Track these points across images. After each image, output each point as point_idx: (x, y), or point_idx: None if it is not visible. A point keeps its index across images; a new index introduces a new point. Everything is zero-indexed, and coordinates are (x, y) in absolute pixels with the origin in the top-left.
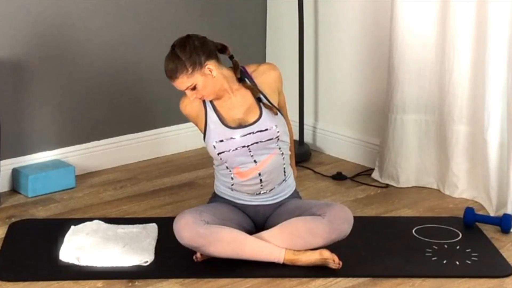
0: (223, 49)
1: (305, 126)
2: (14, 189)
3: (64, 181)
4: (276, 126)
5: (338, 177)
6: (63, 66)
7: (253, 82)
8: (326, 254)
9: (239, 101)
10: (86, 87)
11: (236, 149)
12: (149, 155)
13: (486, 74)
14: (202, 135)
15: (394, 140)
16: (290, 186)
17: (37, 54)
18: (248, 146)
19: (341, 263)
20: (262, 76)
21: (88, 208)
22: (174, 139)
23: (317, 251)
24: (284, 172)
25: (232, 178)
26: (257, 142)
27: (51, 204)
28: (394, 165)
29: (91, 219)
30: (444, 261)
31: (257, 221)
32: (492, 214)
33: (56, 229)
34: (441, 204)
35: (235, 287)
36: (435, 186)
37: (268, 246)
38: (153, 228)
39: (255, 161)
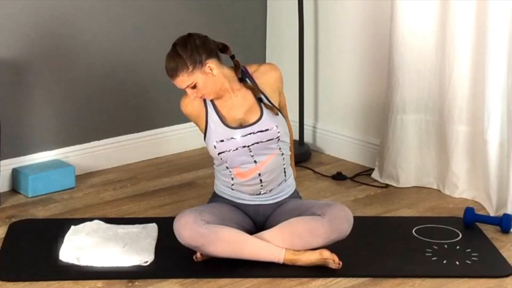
0: (224, 48)
1: (305, 126)
2: (14, 189)
3: (64, 181)
4: (276, 126)
5: (338, 177)
6: (63, 66)
7: (254, 82)
8: (326, 254)
9: (240, 101)
10: (86, 87)
11: (237, 149)
12: (149, 155)
13: (486, 74)
14: (203, 135)
15: (394, 140)
16: (290, 186)
17: (37, 54)
18: (248, 146)
19: (341, 263)
20: (263, 76)
21: (88, 208)
22: (174, 139)
23: (317, 251)
24: (284, 172)
25: (232, 178)
26: (257, 142)
27: (51, 204)
28: (394, 165)
29: (91, 219)
30: (444, 261)
31: (257, 221)
32: (492, 214)
33: (56, 229)
34: (441, 204)
35: (235, 287)
36: (435, 186)
37: (268, 246)
38: (153, 228)
39: (255, 161)
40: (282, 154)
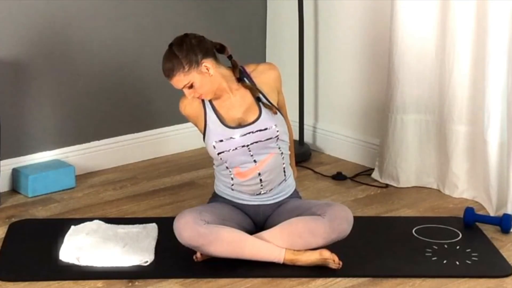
0: (221, 48)
1: (305, 126)
2: (14, 189)
3: (64, 181)
4: (275, 125)
5: (338, 177)
6: (63, 66)
7: (252, 81)
8: (326, 254)
9: (238, 101)
10: (86, 87)
11: (236, 148)
12: (149, 155)
13: (486, 74)
14: (202, 136)
15: (394, 140)
16: (290, 186)
17: (37, 54)
18: (247, 145)
19: (341, 263)
20: (261, 76)
21: (88, 208)
22: (174, 139)
23: (317, 251)
24: (284, 172)
25: (232, 179)
26: (256, 142)
27: (51, 204)
28: (394, 165)
29: (91, 219)
30: (444, 261)
31: (257, 221)
32: (492, 214)
33: (56, 229)
34: (441, 204)
35: (235, 287)
36: (435, 186)
37: (268, 246)
38: (153, 228)
39: (254, 161)
40: (282, 153)
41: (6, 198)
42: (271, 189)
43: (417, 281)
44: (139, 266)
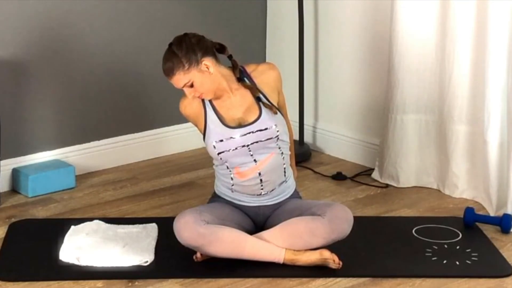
0: (221, 48)
1: (305, 126)
2: (14, 189)
3: (64, 181)
4: (275, 125)
5: (338, 177)
6: (63, 66)
7: (253, 81)
8: (326, 254)
9: (238, 101)
10: (86, 87)
11: (236, 148)
12: (149, 155)
13: (486, 74)
14: (202, 136)
15: (394, 140)
16: (290, 187)
17: (37, 54)
18: (248, 145)
19: (341, 263)
20: (262, 76)
21: (88, 208)
22: (174, 139)
23: (317, 251)
24: (284, 172)
25: (232, 179)
26: (257, 142)
27: (51, 204)
28: (394, 165)
29: (91, 219)
30: (444, 261)
31: (257, 221)
32: (492, 214)
33: (56, 229)
34: (441, 204)
35: (235, 287)
36: (435, 186)
37: (268, 246)
38: (153, 228)
39: (255, 161)
40: (282, 153)
41: (6, 198)
42: (272, 190)
43: (417, 281)
44: (139, 266)
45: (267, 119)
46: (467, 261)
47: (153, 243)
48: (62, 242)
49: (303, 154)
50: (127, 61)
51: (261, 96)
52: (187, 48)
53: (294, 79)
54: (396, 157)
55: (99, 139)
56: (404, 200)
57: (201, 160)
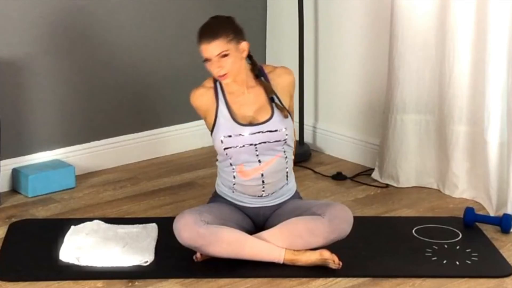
0: None
1: (305, 126)
2: (14, 189)
3: (64, 181)
4: (285, 128)
5: (338, 177)
6: (64, 66)
7: (268, 82)
8: (326, 254)
9: (251, 99)
10: (86, 87)
11: (243, 146)
12: (149, 155)
13: (486, 74)
14: (210, 129)
15: (394, 140)
16: (291, 189)
17: (37, 54)
18: (255, 144)
19: (341, 263)
20: (278, 79)
21: (88, 208)
22: (174, 139)
23: (317, 251)
24: (287, 176)
25: (234, 177)
26: (264, 142)
27: (51, 204)
28: (394, 165)
29: (91, 219)
30: (444, 261)
31: (257, 221)
32: (492, 214)
33: (56, 229)
34: (441, 204)
35: (235, 287)
36: (435, 186)
37: (268, 246)
38: (153, 228)
39: (259, 161)
40: (286, 157)
41: (6, 198)
42: (273, 192)
43: (417, 281)
44: (139, 266)
45: (278, 121)
46: (467, 261)
47: (153, 243)
48: (62, 242)
49: (303, 154)
50: (128, 61)
51: (274, 97)
52: (235, 24)
53: None
54: (396, 157)
55: (99, 139)
56: (404, 200)
57: (201, 160)
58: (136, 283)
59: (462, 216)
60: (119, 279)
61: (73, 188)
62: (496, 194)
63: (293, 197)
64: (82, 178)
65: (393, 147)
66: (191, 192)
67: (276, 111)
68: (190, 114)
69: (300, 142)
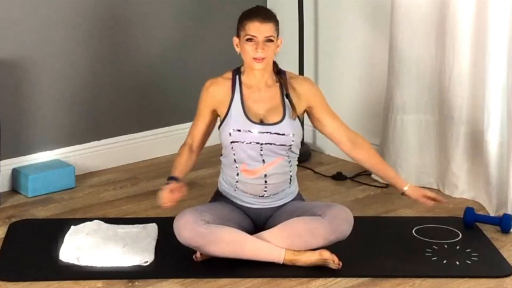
0: None
1: (305, 126)
2: (14, 189)
3: (64, 181)
4: (293, 134)
5: (338, 177)
6: (63, 66)
7: (286, 84)
8: (326, 254)
9: (266, 97)
10: (86, 88)
11: (250, 143)
12: (149, 155)
13: (486, 74)
14: (220, 121)
15: (394, 140)
16: (293, 192)
17: (37, 54)
18: (261, 144)
19: (341, 263)
20: (296, 85)
21: (88, 208)
22: (174, 139)
23: (317, 252)
24: (290, 180)
25: (237, 174)
26: (270, 143)
27: (51, 204)
28: (394, 165)
29: (91, 219)
30: (444, 261)
31: (257, 221)
32: (492, 214)
33: (56, 229)
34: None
35: (235, 287)
36: (435, 186)
37: (268, 246)
38: (153, 228)
39: (263, 161)
40: (290, 161)
41: (6, 198)
42: (275, 193)
43: (417, 281)
44: (139, 266)
45: (287, 126)
46: (467, 261)
47: (153, 243)
48: (62, 242)
49: (303, 154)
50: (128, 61)
51: (288, 98)
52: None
53: None
54: (396, 157)
55: (99, 139)
56: (404, 200)
57: (201, 160)
58: (136, 283)
59: (462, 216)
60: (119, 279)
61: (73, 188)
62: (496, 194)
63: (294, 199)
64: (82, 178)
65: (393, 147)
66: (191, 192)
67: (287, 115)
68: (190, 114)
69: (300, 142)
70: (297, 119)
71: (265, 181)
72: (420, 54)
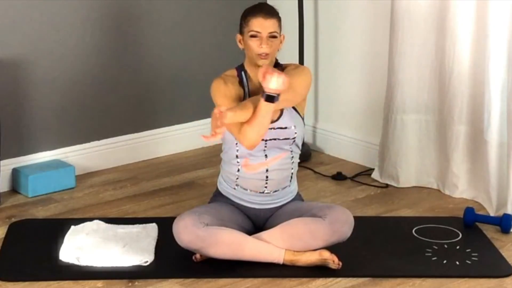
0: None
1: (305, 126)
2: (14, 189)
3: (64, 181)
4: (294, 126)
5: (338, 177)
6: (63, 66)
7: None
8: (326, 254)
9: None
10: (86, 87)
11: None
12: (149, 155)
13: (486, 74)
14: None
15: (394, 140)
16: (293, 192)
17: (37, 54)
18: (266, 140)
19: (341, 263)
20: (287, 73)
21: (88, 208)
22: (174, 139)
23: (317, 252)
24: (290, 178)
25: (238, 170)
26: (274, 139)
27: (51, 204)
28: (394, 165)
29: (91, 219)
30: (444, 261)
31: (257, 222)
32: (492, 214)
33: (56, 229)
34: (441, 204)
35: (235, 287)
36: (435, 186)
37: (268, 247)
38: (153, 228)
39: (266, 156)
40: (292, 157)
41: (6, 198)
42: (275, 191)
43: (417, 281)
44: (139, 266)
45: (288, 119)
46: (467, 261)
47: (153, 243)
48: (62, 242)
49: (303, 154)
50: (128, 61)
51: None
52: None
53: None
54: (396, 157)
55: (99, 139)
56: (404, 200)
57: (201, 160)
58: (136, 283)
59: (462, 216)
60: (119, 279)
61: (73, 188)
62: (496, 194)
63: (294, 199)
64: (82, 178)
65: (393, 147)
66: (191, 192)
67: (285, 108)
68: (190, 114)
69: (302, 136)
70: (295, 112)
71: (266, 177)
72: (420, 54)
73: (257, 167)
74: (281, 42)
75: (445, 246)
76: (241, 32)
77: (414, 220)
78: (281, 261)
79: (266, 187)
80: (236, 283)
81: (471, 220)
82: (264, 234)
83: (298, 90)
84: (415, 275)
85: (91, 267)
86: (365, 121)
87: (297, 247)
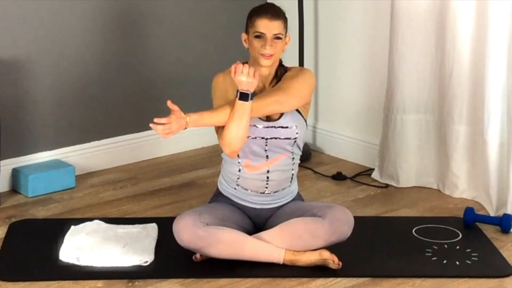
0: None
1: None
2: (14, 189)
3: (64, 181)
4: (296, 126)
5: (338, 177)
6: (64, 66)
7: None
8: (326, 254)
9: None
10: (86, 87)
11: (255, 138)
12: (149, 155)
13: (486, 74)
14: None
15: (394, 140)
16: (293, 192)
17: (37, 54)
18: (266, 139)
19: (341, 263)
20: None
21: (88, 208)
22: (174, 139)
23: (317, 252)
24: (291, 179)
25: (239, 170)
26: (275, 138)
27: (51, 204)
28: (394, 165)
29: (91, 219)
30: (444, 261)
31: (257, 221)
32: (492, 214)
33: (56, 229)
34: (441, 204)
35: (235, 287)
36: (435, 186)
37: (268, 247)
38: (153, 228)
39: (267, 156)
40: (293, 158)
41: (6, 198)
42: (275, 191)
43: (417, 281)
44: (139, 266)
45: (289, 119)
46: (467, 261)
47: (153, 243)
48: (62, 242)
49: (303, 154)
50: (128, 61)
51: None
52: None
53: None
54: (396, 157)
55: (99, 139)
56: (404, 200)
57: (201, 160)
58: (136, 283)
59: (462, 216)
60: (119, 279)
61: (73, 188)
62: (496, 194)
63: (294, 199)
64: (82, 178)
65: (393, 147)
66: (191, 192)
67: None
68: None
69: (304, 137)
70: (297, 114)
71: (267, 177)
72: (420, 54)
73: (259, 167)
74: (286, 43)
75: (445, 246)
76: (247, 32)
77: (414, 220)
78: (281, 261)
79: (266, 187)
80: (236, 283)
81: (471, 220)
82: (264, 234)
83: (301, 93)
84: (415, 275)
85: (91, 267)
86: (365, 121)
87: (297, 247)
